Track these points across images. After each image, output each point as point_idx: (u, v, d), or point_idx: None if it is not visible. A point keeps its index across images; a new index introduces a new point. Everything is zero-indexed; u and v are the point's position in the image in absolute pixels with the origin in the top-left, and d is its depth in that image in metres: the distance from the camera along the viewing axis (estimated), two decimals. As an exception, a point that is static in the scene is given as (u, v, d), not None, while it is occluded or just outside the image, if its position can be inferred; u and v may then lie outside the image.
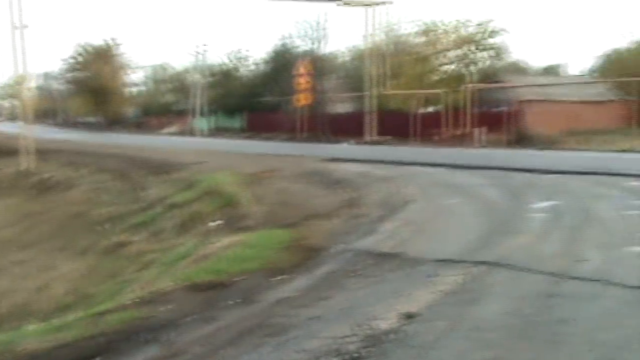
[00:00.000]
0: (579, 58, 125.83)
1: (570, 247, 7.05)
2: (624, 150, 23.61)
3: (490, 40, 42.27)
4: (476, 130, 30.02)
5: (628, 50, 45.14)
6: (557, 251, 6.88)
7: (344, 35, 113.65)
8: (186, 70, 73.22)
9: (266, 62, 55.20)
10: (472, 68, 42.99)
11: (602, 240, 7.39)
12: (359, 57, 51.90)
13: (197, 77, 56.32)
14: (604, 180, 13.29)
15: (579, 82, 47.58)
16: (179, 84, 78.12)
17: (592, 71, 57.58)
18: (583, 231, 8.00)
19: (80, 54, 66.92)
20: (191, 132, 51.57)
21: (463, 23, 41.20)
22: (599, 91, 43.14)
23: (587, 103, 41.33)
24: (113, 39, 68.27)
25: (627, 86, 39.13)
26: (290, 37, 48.30)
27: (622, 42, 46.55)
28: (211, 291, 6.01)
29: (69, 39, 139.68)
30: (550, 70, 66.86)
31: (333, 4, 36.23)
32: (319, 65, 39.41)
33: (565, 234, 7.82)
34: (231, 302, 5.60)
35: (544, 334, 4.41)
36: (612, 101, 42.57)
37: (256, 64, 57.32)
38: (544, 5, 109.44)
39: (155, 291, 6.30)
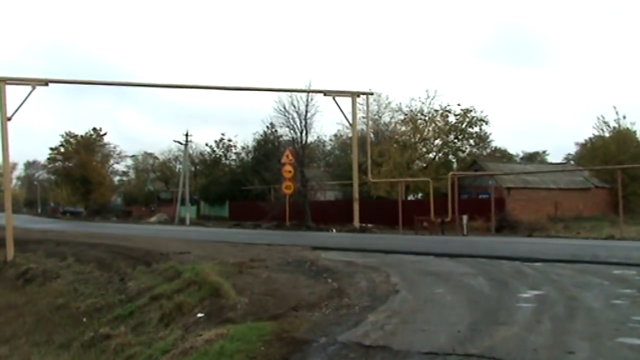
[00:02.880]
0: (558, 145, 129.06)
1: (559, 339, 6.96)
2: (606, 238, 23.85)
3: (472, 129, 43.47)
4: (460, 218, 30.24)
5: (608, 138, 46.46)
6: (545, 343, 6.78)
7: (328, 124, 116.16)
8: (172, 160, 74.08)
9: (251, 151, 56.06)
10: (454, 156, 43.96)
11: (591, 331, 7.31)
12: (342, 145, 52.94)
13: (184, 166, 56.78)
14: (590, 269, 13.33)
15: (560, 170, 48.57)
16: (164, 172, 78.77)
17: (572, 159, 59.01)
18: (571, 322, 7.93)
19: (65, 144, 67.58)
20: (177, 221, 51.45)
21: (444, 112, 42.43)
22: (580, 179, 44.05)
23: (569, 190, 42.12)
24: (97, 129, 69.22)
25: (607, 174, 40.07)
26: (274, 126, 49.33)
27: (601, 130, 47.75)
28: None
29: (54, 126, 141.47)
30: (531, 158, 68.44)
31: (318, 95, 37.17)
32: (302, 153, 40.01)
33: (553, 324, 7.74)
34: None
35: None
36: (593, 188, 43.40)
37: (241, 153, 58.11)
38: (524, 94, 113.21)
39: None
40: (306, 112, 39.76)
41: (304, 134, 40.49)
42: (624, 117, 53.12)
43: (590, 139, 51.40)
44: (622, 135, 45.61)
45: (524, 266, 13.93)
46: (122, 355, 9.94)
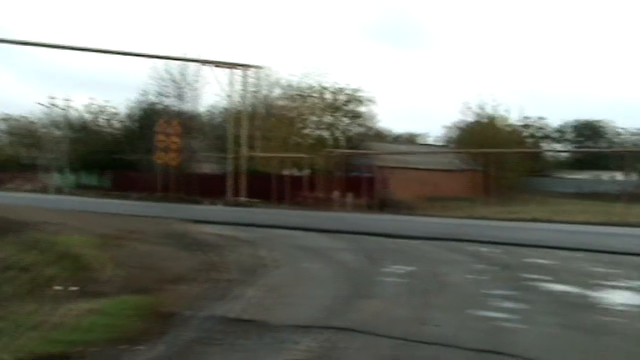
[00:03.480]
0: (439, 127, 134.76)
1: (421, 312, 7.48)
2: (473, 217, 25.45)
3: (358, 108, 44.44)
4: (340, 195, 31.03)
5: (482, 123, 49.08)
6: (407, 315, 7.28)
7: (214, 95, 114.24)
8: (40, 123, 69.44)
9: (130, 118, 53.98)
10: (339, 134, 44.79)
11: (449, 304, 7.92)
12: (227, 118, 52.43)
13: (54, 130, 53.72)
14: (455, 246, 14.28)
15: (438, 151, 50.84)
16: (33, 137, 74.03)
17: (451, 141, 61.89)
18: (434, 296, 8.53)
19: None
20: (52, 190, 48.91)
21: (332, 90, 43.04)
22: (457, 160, 46.39)
23: (443, 171, 44.26)
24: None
25: (481, 157, 42.49)
26: (160, 95, 47.86)
27: (478, 115, 50.39)
28: (63, 364, 5.73)
29: None
30: (413, 139, 71.01)
31: (207, 66, 36.53)
32: (188, 125, 39.24)
33: (416, 298, 8.29)
34: (83, 375, 5.38)
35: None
36: (467, 170, 45.89)
37: (119, 121, 55.81)
38: (409, 77, 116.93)
39: (-2, 364, 5.90)
40: (194, 82, 39.03)
41: (190, 104, 39.76)
42: (496, 104, 56.46)
43: (466, 123, 54.14)
44: (492, 121, 48.36)
45: (395, 243, 14.67)
46: (-16, 329, 9.47)
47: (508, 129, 52.99)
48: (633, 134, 66.20)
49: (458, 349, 5.91)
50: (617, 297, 8.56)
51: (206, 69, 36.03)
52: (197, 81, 39.12)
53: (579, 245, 14.42)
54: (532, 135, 65.61)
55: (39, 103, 59.77)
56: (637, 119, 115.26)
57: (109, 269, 10.58)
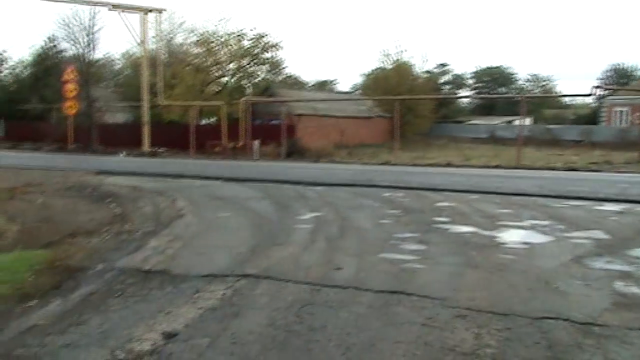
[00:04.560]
0: (347, 75, 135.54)
1: (330, 257, 7.50)
2: (383, 163, 25.87)
3: (266, 55, 43.68)
4: (251, 143, 30.70)
5: (390, 71, 49.70)
6: (318, 261, 7.28)
7: (118, 41, 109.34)
8: None
9: (29, 65, 50.89)
10: (249, 81, 44.03)
11: (358, 249, 7.98)
12: (133, 64, 50.28)
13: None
14: (365, 192, 14.44)
15: (347, 99, 51.13)
16: None
17: (359, 88, 62.43)
18: (343, 241, 8.57)
19: None
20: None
21: (239, 35, 42.00)
22: (364, 108, 46.83)
23: (355, 118, 44.62)
24: None
25: (388, 104, 43.10)
26: (56, 39, 45.20)
27: (384, 62, 50.98)
28: (-53, 323, 5.33)
29: None
30: (322, 86, 71.06)
31: (104, 8, 34.58)
32: (87, 71, 37.29)
33: (327, 244, 8.30)
34: (-29, 335, 5.03)
35: (300, 342, 4.63)
36: (375, 117, 46.49)
37: (16, 67, 52.40)
38: (317, 22, 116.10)
39: None
40: (91, 26, 36.92)
41: (89, 50, 37.63)
42: (404, 52, 57.30)
43: (374, 70, 54.71)
44: (401, 69, 49.08)
45: (306, 190, 14.65)
46: None
47: (424, 75, 54.06)
48: (529, 80, 69.25)
49: (363, 290, 5.96)
50: (519, 237, 8.91)
51: (106, 11, 34.06)
52: (95, 25, 36.97)
53: (484, 188, 14.92)
54: (447, 82, 67.33)
55: None
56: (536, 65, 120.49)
57: (3, 223, 9.96)
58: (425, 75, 55.40)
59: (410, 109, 43.78)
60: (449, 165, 24.89)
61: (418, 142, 40.33)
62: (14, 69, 52.43)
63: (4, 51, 54.45)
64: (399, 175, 19.09)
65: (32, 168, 20.73)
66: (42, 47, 48.32)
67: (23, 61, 51.48)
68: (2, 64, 53.00)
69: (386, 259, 7.41)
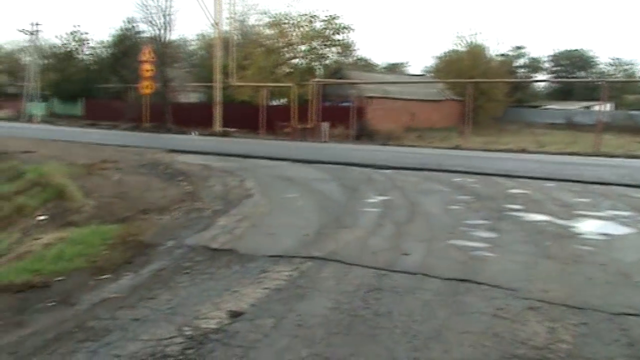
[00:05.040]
0: (420, 57, 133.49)
1: (397, 241, 7.38)
2: (454, 147, 25.37)
3: (337, 37, 43.48)
4: (321, 125, 30.70)
5: (463, 53, 48.61)
6: (385, 245, 7.17)
7: (193, 23, 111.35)
8: (19, 51, 67.79)
9: (109, 46, 52.54)
10: (319, 63, 43.98)
11: (427, 234, 7.82)
12: (207, 46, 51.12)
13: (32, 58, 52.07)
14: (434, 176, 14.18)
15: (418, 81, 50.36)
16: (10, 65, 72.11)
17: (431, 71, 61.36)
18: (411, 225, 8.43)
19: None
20: (25, 118, 47.83)
21: (311, 17, 41.96)
22: (435, 91, 46.03)
23: (426, 101, 43.95)
24: None
25: (460, 87, 42.20)
26: (135, 21, 46.45)
27: (457, 45, 49.92)
28: (26, 293, 5.55)
29: None
30: (393, 68, 70.27)
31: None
32: (163, 52, 38.12)
33: (394, 228, 8.18)
34: (48, 305, 5.21)
35: (365, 327, 4.56)
36: (447, 100, 45.64)
37: (97, 48, 54.19)
38: (389, 4, 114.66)
39: (-39, 294, 5.71)
40: (167, 7, 37.70)
41: (165, 31, 38.48)
42: (478, 34, 55.89)
43: (447, 53, 53.60)
44: (475, 51, 47.91)
45: (375, 173, 14.52)
46: (-48, 259, 9.26)
47: (499, 58, 52.65)
48: (611, 64, 66.08)
49: (430, 277, 5.83)
50: (597, 227, 8.51)
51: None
52: (171, 7, 37.76)
53: (560, 175, 14.38)
54: (523, 66, 65.31)
55: (22, 30, 57.40)
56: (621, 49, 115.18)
57: (81, 198, 10.33)
58: (500, 58, 53.89)
59: (483, 93, 42.70)
60: (522, 151, 24.15)
61: (490, 127, 39.33)
62: (94, 49, 54.23)
63: (86, 32, 56.49)
64: (470, 160, 18.66)
65: (109, 145, 21.42)
66: (121, 29, 49.75)
67: (103, 42, 53.16)
68: (83, 45, 54.95)
69: (455, 245, 7.23)
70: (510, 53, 63.01)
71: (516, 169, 15.83)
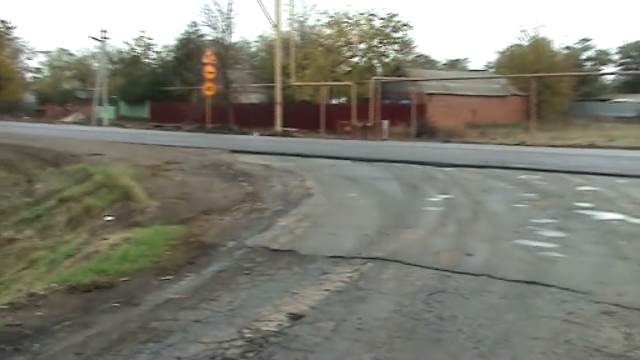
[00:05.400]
0: (480, 53, 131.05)
1: (460, 241, 7.19)
2: (517, 144, 24.72)
3: (396, 34, 43.18)
4: (381, 123, 30.49)
5: (526, 47, 47.38)
6: (448, 245, 7.00)
7: (253, 24, 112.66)
8: (89, 57, 70.22)
9: (173, 50, 53.84)
10: (379, 61, 43.76)
11: (491, 234, 7.59)
12: (268, 47, 51.66)
13: (101, 64, 53.83)
14: (498, 174, 13.82)
15: (480, 77, 49.39)
16: (81, 71, 74.89)
17: (493, 66, 60.08)
18: (474, 225, 8.21)
19: (-31, 37, 62.73)
20: (93, 122, 49.52)
21: (370, 15, 41.81)
22: (498, 86, 45.02)
23: (488, 97, 43.07)
24: (5, 22, 64.41)
25: (523, 82, 41.11)
26: (197, 25, 47.41)
27: (520, 39, 48.69)
28: (92, 293, 5.67)
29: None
30: (453, 64, 69.19)
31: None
32: (225, 54, 38.71)
33: (457, 228, 7.98)
34: (112, 305, 5.30)
35: (428, 331, 4.43)
36: (510, 96, 44.57)
37: (161, 52, 55.66)
38: (447, 0, 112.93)
39: (32, 294, 5.88)
40: (229, 11, 38.28)
41: (226, 33, 39.10)
42: (542, 27, 54.31)
43: (509, 47, 52.38)
44: (538, 45, 46.61)
45: (436, 171, 14.26)
46: (25, 259, 9.64)
47: (564, 51, 51.11)
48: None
49: (496, 279, 5.63)
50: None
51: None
52: (232, 10, 38.28)
53: (632, 171, 13.76)
54: (590, 59, 63.18)
55: (91, 37, 59.53)
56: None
57: (145, 199, 10.55)
58: (565, 51, 52.23)
59: (547, 87, 41.50)
60: (591, 146, 23.30)
61: (556, 122, 38.15)
62: (159, 53, 55.67)
63: (150, 38, 58.06)
64: (535, 156, 18.12)
65: (173, 147, 21.86)
66: (185, 32, 50.87)
67: (168, 46, 54.50)
68: (149, 49, 56.50)
69: (521, 245, 6.97)
70: (576, 46, 61.01)
71: (584, 165, 15.25)
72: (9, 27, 64.99)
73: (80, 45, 73.01)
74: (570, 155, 19.02)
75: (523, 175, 13.41)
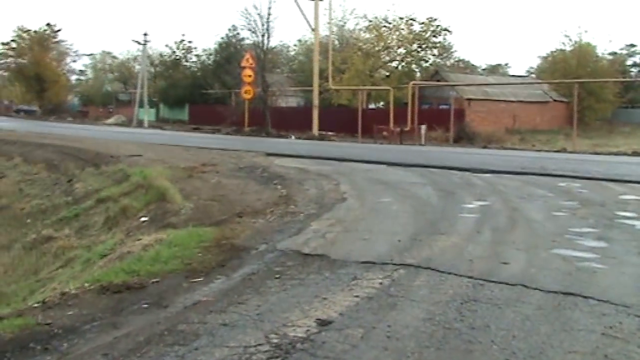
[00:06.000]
0: (522, 58, 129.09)
1: (496, 249, 7.01)
2: (559, 151, 24.20)
3: (436, 39, 42.81)
4: (419, 128, 30.24)
5: (569, 52, 46.47)
6: (483, 253, 6.83)
7: (293, 29, 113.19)
8: (131, 60, 71.56)
9: (212, 54, 54.44)
10: (418, 66, 43.44)
11: (528, 243, 7.38)
12: (306, 51, 51.84)
13: (143, 66, 54.78)
14: (537, 180, 13.51)
15: (520, 82, 48.62)
16: (123, 73, 76.35)
17: (534, 71, 59.11)
18: (511, 233, 8.00)
19: (17, 39, 64.37)
20: (134, 123, 50.38)
21: (409, 20, 41.54)
22: (539, 92, 44.23)
23: (529, 103, 42.37)
24: (51, 25, 65.96)
25: (566, 88, 40.31)
26: (237, 29, 47.84)
27: (563, 44, 47.76)
28: (123, 294, 5.70)
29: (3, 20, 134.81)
30: (493, 70, 68.33)
31: (280, -3, 35.86)
32: (264, 58, 38.93)
33: (493, 235, 7.79)
34: (141, 306, 5.31)
35: (459, 342, 4.30)
36: (551, 102, 43.74)
37: (202, 56, 56.34)
38: (488, 5, 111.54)
39: (65, 293, 5.94)
40: (268, 14, 38.51)
41: (265, 37, 39.34)
42: (586, 32, 53.19)
43: (552, 52, 51.46)
44: (582, 50, 45.67)
45: (473, 177, 14.02)
46: (62, 258, 9.79)
47: (608, 57, 50.04)
48: None
49: (532, 289, 5.45)
50: None
51: (289, 1, 35.43)
52: (271, 14, 38.53)
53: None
54: (636, 64, 61.73)
55: (134, 40, 60.69)
56: None
57: (180, 201, 10.61)
58: (610, 57, 51.06)
59: (591, 93, 40.62)
60: (635, 154, 22.65)
61: (599, 129, 37.32)
62: (199, 57, 56.34)
63: (190, 41, 58.81)
64: (577, 163, 17.68)
65: (211, 149, 22.02)
66: (225, 36, 51.40)
67: (207, 50, 55.12)
68: (189, 53, 57.21)
69: (560, 255, 6.76)
70: (622, 51, 59.61)
71: (628, 173, 14.81)
72: (54, 31, 66.48)
73: (123, 48, 74.76)
74: (613, 162, 18.52)
75: (563, 183, 13.08)
